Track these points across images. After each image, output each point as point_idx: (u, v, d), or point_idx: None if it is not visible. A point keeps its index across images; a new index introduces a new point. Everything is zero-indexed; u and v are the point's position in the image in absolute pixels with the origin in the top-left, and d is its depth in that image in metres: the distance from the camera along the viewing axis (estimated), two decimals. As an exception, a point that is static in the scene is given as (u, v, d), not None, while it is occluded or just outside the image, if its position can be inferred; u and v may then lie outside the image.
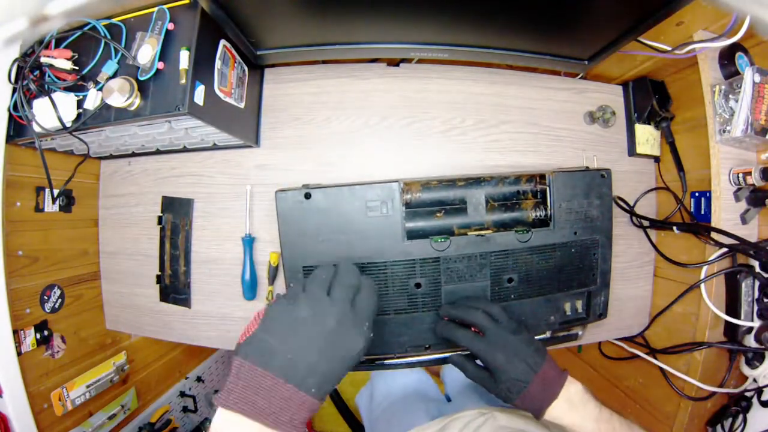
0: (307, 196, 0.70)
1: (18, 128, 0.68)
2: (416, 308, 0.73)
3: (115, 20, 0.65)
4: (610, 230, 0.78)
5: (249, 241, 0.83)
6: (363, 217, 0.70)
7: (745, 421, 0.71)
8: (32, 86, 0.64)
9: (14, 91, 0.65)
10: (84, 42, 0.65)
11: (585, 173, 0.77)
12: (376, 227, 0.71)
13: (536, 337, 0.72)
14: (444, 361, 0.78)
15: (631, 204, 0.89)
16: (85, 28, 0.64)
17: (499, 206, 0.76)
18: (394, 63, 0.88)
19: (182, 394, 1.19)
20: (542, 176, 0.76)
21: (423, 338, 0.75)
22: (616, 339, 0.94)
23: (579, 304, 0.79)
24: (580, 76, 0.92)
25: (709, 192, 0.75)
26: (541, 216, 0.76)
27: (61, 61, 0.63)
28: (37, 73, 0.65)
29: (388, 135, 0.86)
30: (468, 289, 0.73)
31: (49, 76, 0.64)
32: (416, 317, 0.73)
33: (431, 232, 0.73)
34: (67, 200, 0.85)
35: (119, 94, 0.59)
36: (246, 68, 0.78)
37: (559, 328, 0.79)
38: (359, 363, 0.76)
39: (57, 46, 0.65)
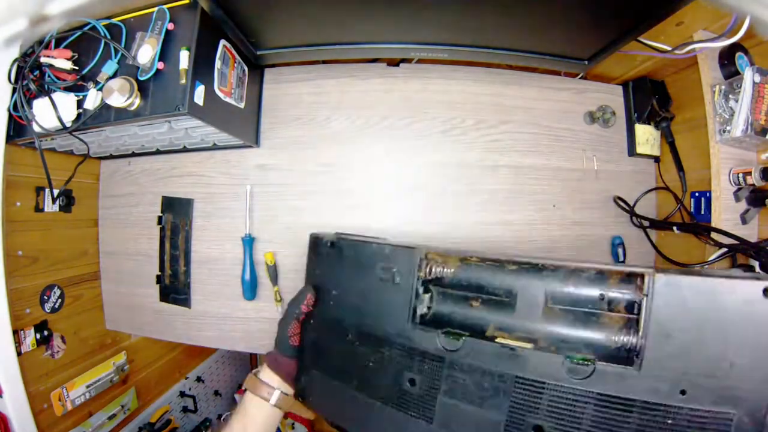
0: (332, 245, 0.64)
1: (18, 128, 0.68)
2: (406, 407, 0.56)
3: (115, 20, 0.65)
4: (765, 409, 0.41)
5: (249, 241, 0.83)
6: (374, 279, 0.59)
7: (745, 421, 0.71)
8: (32, 86, 0.64)
9: (14, 91, 0.65)
10: (84, 42, 0.65)
11: (732, 283, 0.41)
12: (384, 296, 0.58)
13: None
14: None
15: (631, 204, 0.89)
16: (85, 28, 0.64)
17: (561, 311, 0.50)
18: (394, 63, 0.88)
19: (182, 394, 1.19)
20: (641, 277, 0.45)
21: None
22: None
23: None
24: (580, 76, 0.92)
25: (709, 192, 0.75)
26: (628, 344, 0.46)
27: (61, 61, 0.63)
28: (37, 73, 0.65)
29: (388, 135, 0.86)
30: (472, 414, 0.51)
31: (49, 76, 0.64)
32: (402, 419, 0.56)
33: (458, 323, 0.56)
34: (67, 200, 0.85)
35: (119, 94, 0.59)
36: (246, 68, 0.78)
37: None
38: None
39: (57, 46, 0.65)
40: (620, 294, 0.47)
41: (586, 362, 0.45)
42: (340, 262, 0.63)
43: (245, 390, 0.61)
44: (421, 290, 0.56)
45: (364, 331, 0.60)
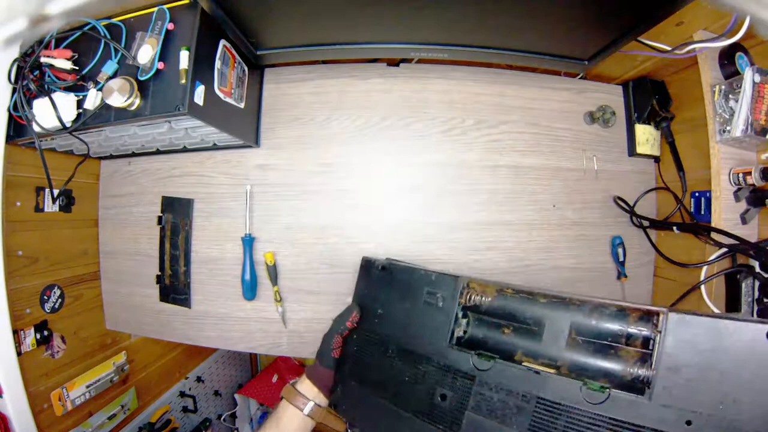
0: (383, 268, 0.70)
1: (18, 128, 0.68)
2: (435, 421, 0.61)
3: (115, 20, 0.65)
4: None
5: (249, 241, 0.83)
6: (419, 302, 0.65)
7: (745, 421, 0.71)
8: (32, 86, 0.64)
9: (14, 91, 0.65)
10: (84, 42, 0.65)
11: (738, 326, 0.44)
12: (427, 318, 0.64)
13: None
14: None
15: (631, 204, 0.89)
16: (85, 28, 0.64)
17: (583, 342, 0.55)
18: (394, 63, 0.88)
19: (182, 394, 1.19)
20: (657, 315, 0.50)
21: None
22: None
23: None
24: (580, 76, 0.92)
25: (709, 192, 0.75)
26: (641, 376, 0.50)
27: (61, 61, 0.63)
28: (37, 73, 0.65)
29: (388, 135, 0.86)
30: (495, 430, 0.56)
31: (49, 76, 0.64)
32: (430, 430, 0.61)
33: (489, 347, 0.61)
34: (67, 200, 0.85)
35: (119, 94, 0.59)
36: (246, 68, 0.78)
37: None
38: None
39: (57, 46, 0.65)
40: (638, 330, 0.51)
41: (602, 389, 0.49)
42: (389, 284, 0.68)
43: (282, 398, 0.64)
44: (460, 315, 0.62)
45: (405, 348, 0.65)
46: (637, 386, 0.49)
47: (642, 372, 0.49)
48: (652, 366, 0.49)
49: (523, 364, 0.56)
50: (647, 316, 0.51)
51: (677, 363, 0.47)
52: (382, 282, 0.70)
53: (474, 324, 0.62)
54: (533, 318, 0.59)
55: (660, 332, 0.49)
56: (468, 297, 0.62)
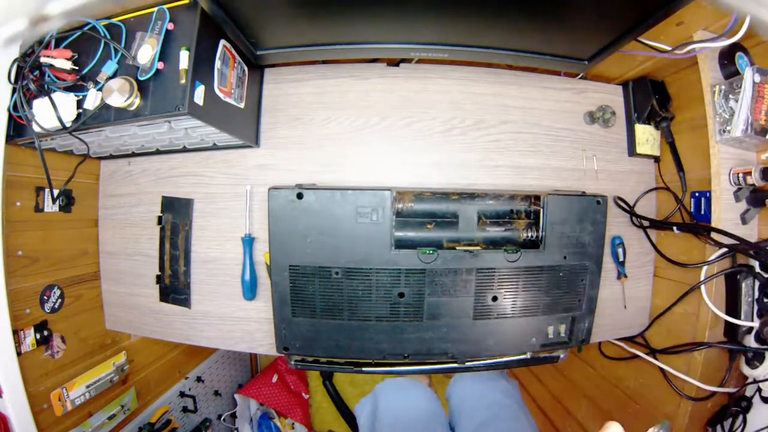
0: (300, 196, 0.71)
1: (18, 128, 0.68)
2: (398, 317, 0.73)
3: (115, 20, 0.65)
4: (600, 257, 0.79)
5: (249, 241, 0.83)
6: (353, 222, 0.70)
7: (745, 421, 0.71)
8: (32, 86, 0.64)
9: (14, 91, 0.65)
10: (84, 42, 0.65)
11: (581, 198, 0.77)
12: (364, 233, 0.71)
13: (515, 358, 0.80)
14: (424, 371, 0.80)
15: (631, 204, 0.89)
16: (85, 28, 0.64)
17: (491, 223, 0.77)
18: (394, 63, 0.88)
19: (182, 394, 1.19)
20: (537, 197, 0.76)
21: (403, 347, 0.75)
22: (616, 339, 0.94)
23: (562, 328, 0.79)
24: (580, 76, 0.92)
25: (709, 192, 0.75)
26: (532, 237, 0.76)
27: (61, 61, 0.63)
28: (37, 73, 0.65)
29: (388, 135, 0.86)
30: (451, 303, 0.73)
31: (48, 76, 0.64)
32: (397, 326, 0.73)
33: (420, 243, 0.73)
34: (67, 200, 0.85)
35: (119, 94, 0.59)
36: (246, 68, 0.78)
37: (540, 349, 0.80)
38: (338, 365, 0.80)
39: (57, 46, 0.65)
40: (523, 207, 0.78)
41: (515, 251, 0.73)
42: (310, 211, 0.71)
43: None
44: (395, 222, 0.72)
45: (350, 267, 0.71)
46: (529, 244, 0.76)
47: (533, 234, 0.76)
48: (541, 229, 0.74)
49: (457, 248, 0.72)
50: (528, 198, 0.78)
51: (554, 224, 0.74)
52: (301, 211, 0.71)
53: (402, 227, 0.74)
54: (449, 212, 0.76)
55: (543, 208, 0.74)
56: (395, 206, 0.72)
